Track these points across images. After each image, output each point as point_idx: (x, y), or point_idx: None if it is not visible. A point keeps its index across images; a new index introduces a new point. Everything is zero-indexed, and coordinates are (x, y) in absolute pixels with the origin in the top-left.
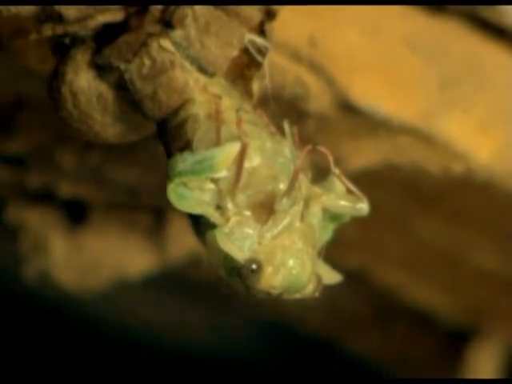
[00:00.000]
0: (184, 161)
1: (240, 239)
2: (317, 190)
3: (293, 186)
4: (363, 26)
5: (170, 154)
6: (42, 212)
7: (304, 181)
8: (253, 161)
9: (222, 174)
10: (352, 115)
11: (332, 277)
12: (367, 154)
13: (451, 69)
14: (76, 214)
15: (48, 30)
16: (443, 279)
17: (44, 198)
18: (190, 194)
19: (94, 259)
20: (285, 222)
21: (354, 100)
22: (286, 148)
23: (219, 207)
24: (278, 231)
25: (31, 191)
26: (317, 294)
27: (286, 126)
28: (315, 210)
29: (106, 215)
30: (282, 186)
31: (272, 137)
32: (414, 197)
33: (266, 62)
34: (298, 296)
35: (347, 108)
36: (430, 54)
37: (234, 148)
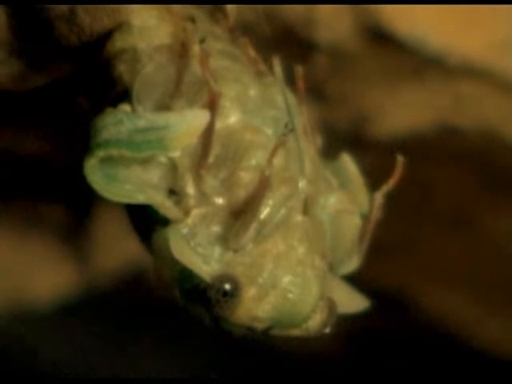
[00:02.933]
0: (117, 123)
1: (206, 244)
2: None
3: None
4: None
5: (95, 109)
6: None
7: (309, 152)
8: (228, 118)
9: (176, 153)
10: (387, 49)
11: (355, 302)
12: (411, 110)
13: None
14: None
15: None
16: None
17: None
18: (123, 174)
19: None
20: (278, 215)
21: (388, 26)
22: (281, 95)
23: (174, 193)
24: (266, 230)
25: None
26: (327, 330)
27: (276, 62)
28: (326, 200)
29: None
30: (276, 159)
31: (259, 79)
32: (484, 180)
33: None
34: (295, 332)
35: (379, 38)
36: None
37: (201, 119)
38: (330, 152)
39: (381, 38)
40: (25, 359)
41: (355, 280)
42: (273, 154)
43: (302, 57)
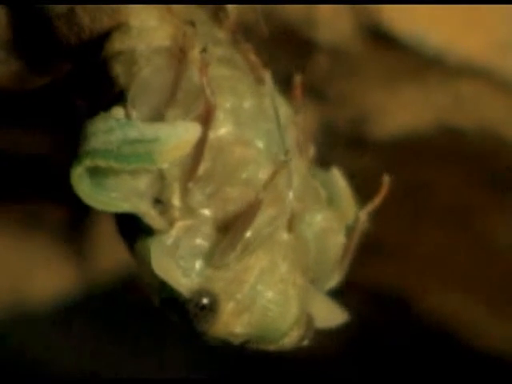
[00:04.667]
0: (108, 131)
1: (188, 257)
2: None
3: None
4: None
5: (92, 109)
6: None
7: (299, 167)
8: (220, 129)
9: (165, 166)
10: (387, 49)
11: (333, 316)
12: (411, 109)
13: None
14: None
15: None
16: None
17: None
18: (111, 182)
19: None
20: (263, 232)
21: (388, 26)
22: (275, 106)
23: (159, 202)
24: (251, 247)
25: None
26: (305, 343)
27: (268, 76)
28: (312, 218)
29: None
30: (262, 175)
31: (257, 88)
32: (484, 181)
33: None
34: (272, 347)
35: (379, 38)
36: None
37: (192, 133)
38: (330, 152)
39: (381, 38)
40: (25, 359)
41: (355, 279)
42: (271, 179)
43: (301, 57)
